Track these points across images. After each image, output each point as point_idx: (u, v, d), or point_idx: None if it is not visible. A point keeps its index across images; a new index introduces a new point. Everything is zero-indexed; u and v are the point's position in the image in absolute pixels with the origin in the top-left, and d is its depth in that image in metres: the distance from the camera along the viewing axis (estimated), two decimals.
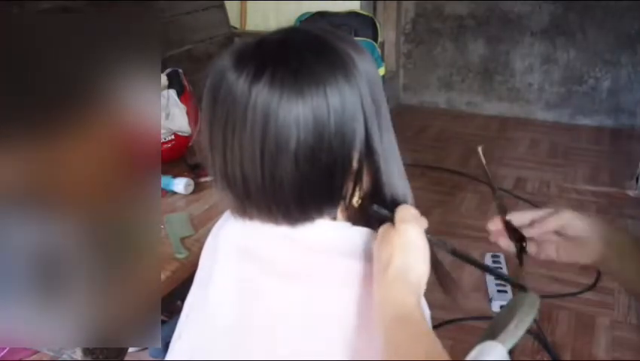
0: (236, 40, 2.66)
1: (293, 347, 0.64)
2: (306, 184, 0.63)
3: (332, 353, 0.63)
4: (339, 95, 0.62)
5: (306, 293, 0.65)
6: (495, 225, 0.83)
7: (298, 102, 0.60)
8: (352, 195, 0.68)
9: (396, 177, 0.70)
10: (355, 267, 0.66)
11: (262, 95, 0.60)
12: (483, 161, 0.85)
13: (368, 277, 0.65)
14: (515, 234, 0.81)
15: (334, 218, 0.68)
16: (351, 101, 0.63)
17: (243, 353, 0.67)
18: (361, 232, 0.69)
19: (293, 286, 0.66)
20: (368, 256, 0.67)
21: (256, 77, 0.61)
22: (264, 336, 0.66)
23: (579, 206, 2.64)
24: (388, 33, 3.74)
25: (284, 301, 0.66)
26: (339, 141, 0.62)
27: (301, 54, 0.62)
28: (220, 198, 0.70)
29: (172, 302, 1.22)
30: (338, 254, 0.67)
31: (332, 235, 0.68)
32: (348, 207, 0.69)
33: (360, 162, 0.65)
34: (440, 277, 0.72)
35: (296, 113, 0.60)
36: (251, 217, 0.68)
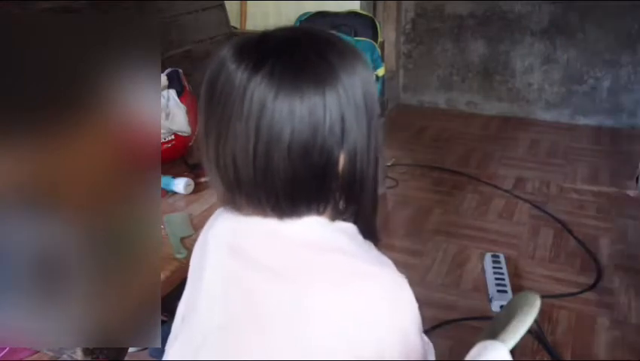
0: None
1: (282, 344, 0.64)
2: (297, 180, 0.64)
3: (320, 350, 0.63)
4: (337, 97, 0.62)
5: (293, 290, 0.65)
6: None
7: (295, 99, 0.60)
8: (341, 195, 0.68)
9: (371, 182, 0.71)
10: (341, 263, 0.66)
11: (260, 87, 0.60)
12: None
13: (354, 273, 0.65)
14: None
15: (321, 214, 0.69)
16: (347, 104, 0.63)
17: (234, 353, 0.67)
18: (346, 229, 0.70)
19: (280, 283, 0.66)
20: (354, 252, 0.67)
21: (255, 69, 0.61)
22: (254, 334, 0.66)
23: (579, 206, 2.64)
24: (388, 33, 3.74)
25: (272, 298, 0.66)
26: (332, 141, 0.63)
27: (303, 52, 0.63)
28: (211, 184, 0.70)
29: (172, 302, 1.21)
30: (325, 250, 0.67)
31: (319, 232, 0.68)
32: (336, 205, 0.69)
33: (349, 163, 0.66)
34: None
35: (292, 109, 0.60)
36: (240, 208, 0.68)
